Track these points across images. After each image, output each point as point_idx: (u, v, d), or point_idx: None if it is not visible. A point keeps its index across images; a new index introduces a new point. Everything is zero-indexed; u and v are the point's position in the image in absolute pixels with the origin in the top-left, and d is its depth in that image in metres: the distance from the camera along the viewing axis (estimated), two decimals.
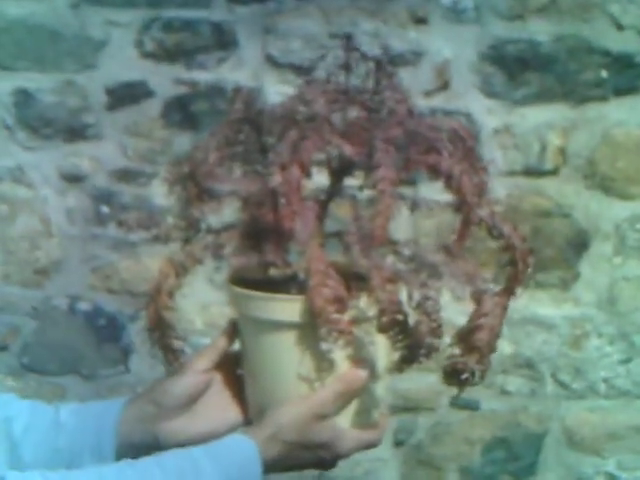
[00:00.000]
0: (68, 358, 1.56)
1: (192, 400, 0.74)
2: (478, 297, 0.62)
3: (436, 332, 0.62)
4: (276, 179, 0.59)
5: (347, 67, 0.61)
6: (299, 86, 0.63)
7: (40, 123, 1.49)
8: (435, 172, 0.59)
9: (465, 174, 0.58)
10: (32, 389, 1.56)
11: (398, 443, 1.54)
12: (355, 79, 0.63)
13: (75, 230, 1.52)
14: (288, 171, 0.59)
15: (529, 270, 0.65)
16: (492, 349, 0.63)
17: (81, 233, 1.52)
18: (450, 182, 0.59)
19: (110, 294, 1.54)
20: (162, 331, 0.69)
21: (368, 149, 0.59)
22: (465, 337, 0.63)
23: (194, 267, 0.67)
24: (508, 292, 0.64)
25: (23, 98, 1.48)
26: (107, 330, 1.55)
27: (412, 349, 0.63)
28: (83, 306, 1.55)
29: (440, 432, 1.54)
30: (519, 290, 0.65)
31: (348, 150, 0.60)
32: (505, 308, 0.64)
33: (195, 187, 0.64)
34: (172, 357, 0.72)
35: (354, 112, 0.62)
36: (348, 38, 0.62)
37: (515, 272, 0.64)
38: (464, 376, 0.64)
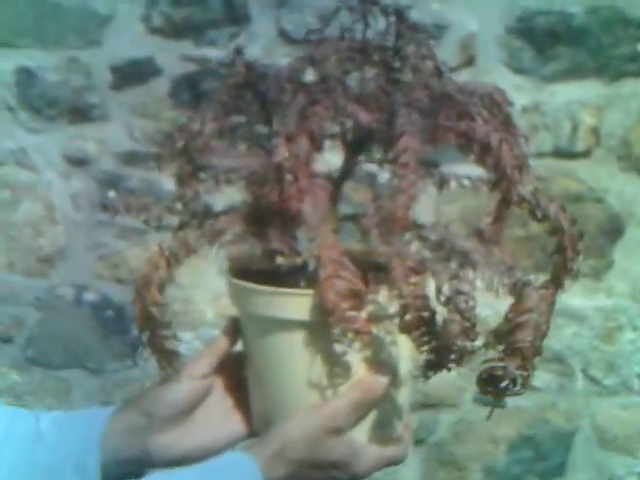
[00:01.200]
0: (74, 351, 1.51)
1: (188, 410, 0.66)
2: (519, 290, 0.54)
3: (469, 333, 0.53)
4: (281, 152, 0.51)
5: (364, 21, 0.53)
6: (308, 45, 0.55)
7: (43, 103, 1.43)
8: (468, 141, 0.51)
9: (505, 143, 0.50)
10: (36, 383, 1.51)
11: (418, 442, 1.47)
12: (374, 36, 0.55)
13: (80, 216, 1.47)
14: (295, 143, 0.51)
15: (579, 258, 0.56)
16: (537, 351, 0.55)
17: (87, 219, 1.47)
18: (487, 153, 0.51)
19: (118, 284, 1.49)
20: (152, 330, 0.62)
21: (388, 116, 0.51)
22: (504, 337, 0.55)
23: (188, 257, 0.60)
24: (555, 284, 0.56)
25: (25, 77, 1.43)
26: (115, 322, 1.50)
27: (440, 352, 0.55)
28: (89, 296, 1.50)
29: (463, 430, 1.48)
30: (567, 281, 0.57)
31: (365, 117, 0.51)
32: (552, 303, 0.56)
33: (189, 163, 0.56)
34: (165, 360, 0.64)
35: (372, 73, 0.54)
36: None
37: (563, 260, 0.55)
38: (504, 384, 0.55)
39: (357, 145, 0.58)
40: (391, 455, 0.65)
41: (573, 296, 1.41)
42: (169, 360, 0.64)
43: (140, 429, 0.65)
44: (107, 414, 0.67)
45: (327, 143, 0.57)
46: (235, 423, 0.68)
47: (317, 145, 0.53)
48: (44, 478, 0.64)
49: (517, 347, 0.55)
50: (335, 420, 0.61)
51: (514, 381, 0.56)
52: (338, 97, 0.51)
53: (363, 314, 0.56)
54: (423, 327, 0.55)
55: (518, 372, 0.55)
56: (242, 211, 0.58)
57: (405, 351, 0.62)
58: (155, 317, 0.60)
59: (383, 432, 0.64)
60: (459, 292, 0.53)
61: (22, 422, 0.67)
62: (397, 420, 0.65)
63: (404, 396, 0.64)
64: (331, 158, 0.61)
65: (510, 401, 1.56)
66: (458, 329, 0.53)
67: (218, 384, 0.68)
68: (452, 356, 0.55)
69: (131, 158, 1.45)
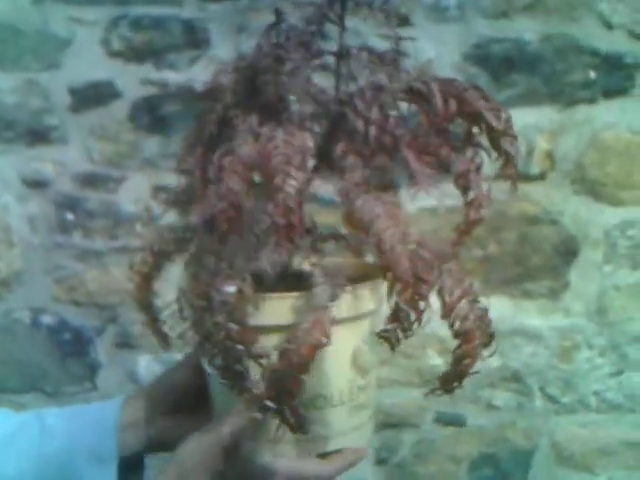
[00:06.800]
0: (31, 375, 1.48)
1: (184, 395, 0.69)
2: None
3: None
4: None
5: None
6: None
7: (0, 125, 1.41)
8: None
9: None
10: None
11: (381, 461, 1.47)
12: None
13: (38, 239, 1.45)
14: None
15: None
16: (292, 387, 0.47)
17: (44, 242, 1.45)
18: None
19: (75, 306, 1.47)
20: (147, 315, 0.64)
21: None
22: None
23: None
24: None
25: None
26: (72, 345, 1.48)
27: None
28: (46, 319, 1.48)
29: (424, 449, 1.48)
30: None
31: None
32: (320, 340, 0.49)
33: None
34: (161, 341, 0.67)
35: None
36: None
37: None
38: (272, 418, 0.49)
39: None
40: (317, 470, 0.61)
41: (530, 316, 1.43)
42: (164, 341, 0.67)
43: (146, 412, 0.68)
44: (118, 402, 0.69)
45: None
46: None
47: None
48: (56, 468, 0.65)
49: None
50: (228, 439, 0.59)
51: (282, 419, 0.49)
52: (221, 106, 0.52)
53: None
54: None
55: (271, 404, 0.48)
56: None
57: (339, 370, 0.61)
58: (143, 305, 0.63)
59: (307, 448, 0.61)
60: (219, 291, 0.49)
61: (25, 420, 0.68)
62: (331, 436, 0.62)
63: (338, 413, 0.61)
64: None
65: (470, 420, 1.57)
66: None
67: None
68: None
69: (90, 180, 1.44)
